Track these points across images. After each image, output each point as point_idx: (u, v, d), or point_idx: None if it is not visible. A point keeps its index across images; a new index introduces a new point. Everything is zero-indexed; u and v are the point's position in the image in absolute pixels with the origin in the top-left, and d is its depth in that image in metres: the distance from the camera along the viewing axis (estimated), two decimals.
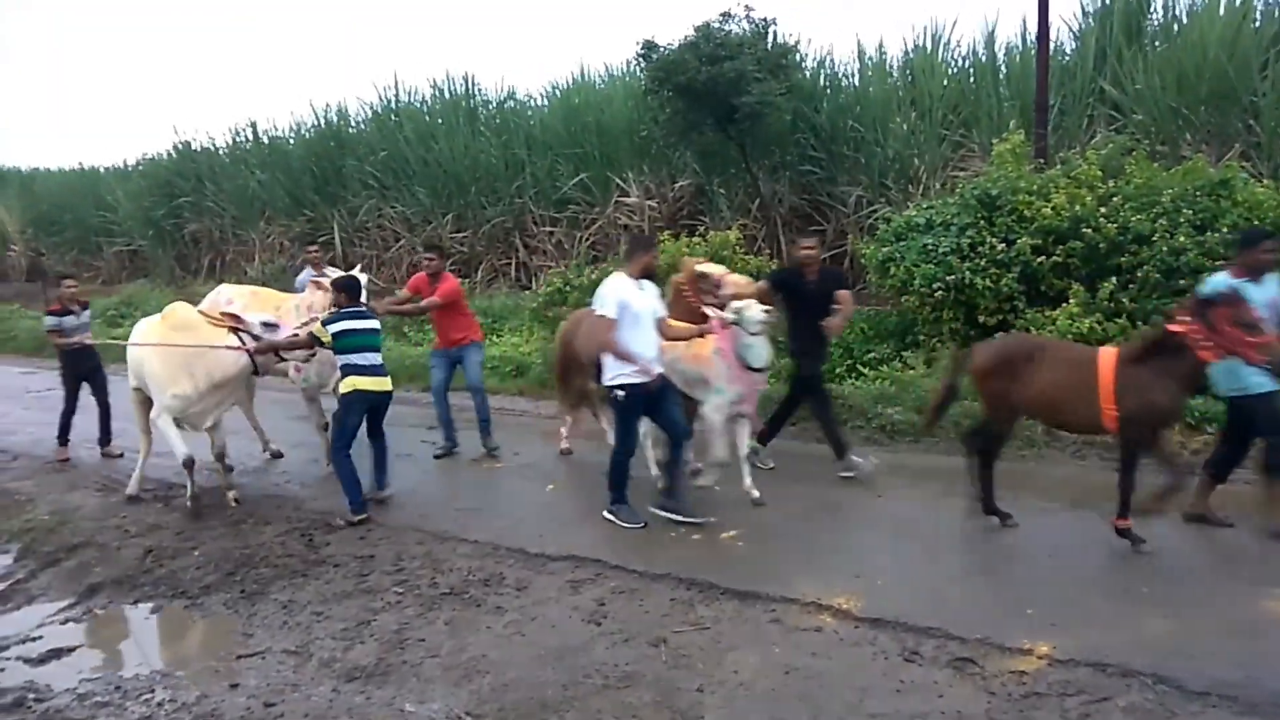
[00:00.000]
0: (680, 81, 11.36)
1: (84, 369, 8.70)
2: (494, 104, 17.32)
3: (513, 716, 4.03)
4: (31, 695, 4.50)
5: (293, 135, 19.43)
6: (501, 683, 4.30)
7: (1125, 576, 4.99)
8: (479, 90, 17.49)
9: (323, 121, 18.90)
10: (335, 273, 9.68)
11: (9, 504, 7.56)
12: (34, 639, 5.15)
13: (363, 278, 9.71)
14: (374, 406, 6.68)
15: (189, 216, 20.24)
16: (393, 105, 18.12)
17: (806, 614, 4.77)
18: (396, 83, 18.18)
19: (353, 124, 18.75)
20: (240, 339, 6.65)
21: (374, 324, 6.78)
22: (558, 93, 16.51)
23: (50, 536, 6.67)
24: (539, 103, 16.97)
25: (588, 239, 14.81)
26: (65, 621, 5.37)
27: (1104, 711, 3.78)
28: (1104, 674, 4.03)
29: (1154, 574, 4.99)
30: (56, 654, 4.97)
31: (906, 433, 7.74)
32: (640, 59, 12.36)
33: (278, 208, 18.49)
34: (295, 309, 7.69)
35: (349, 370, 6.55)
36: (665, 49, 11.82)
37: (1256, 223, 8.04)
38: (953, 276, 8.62)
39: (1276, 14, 11.05)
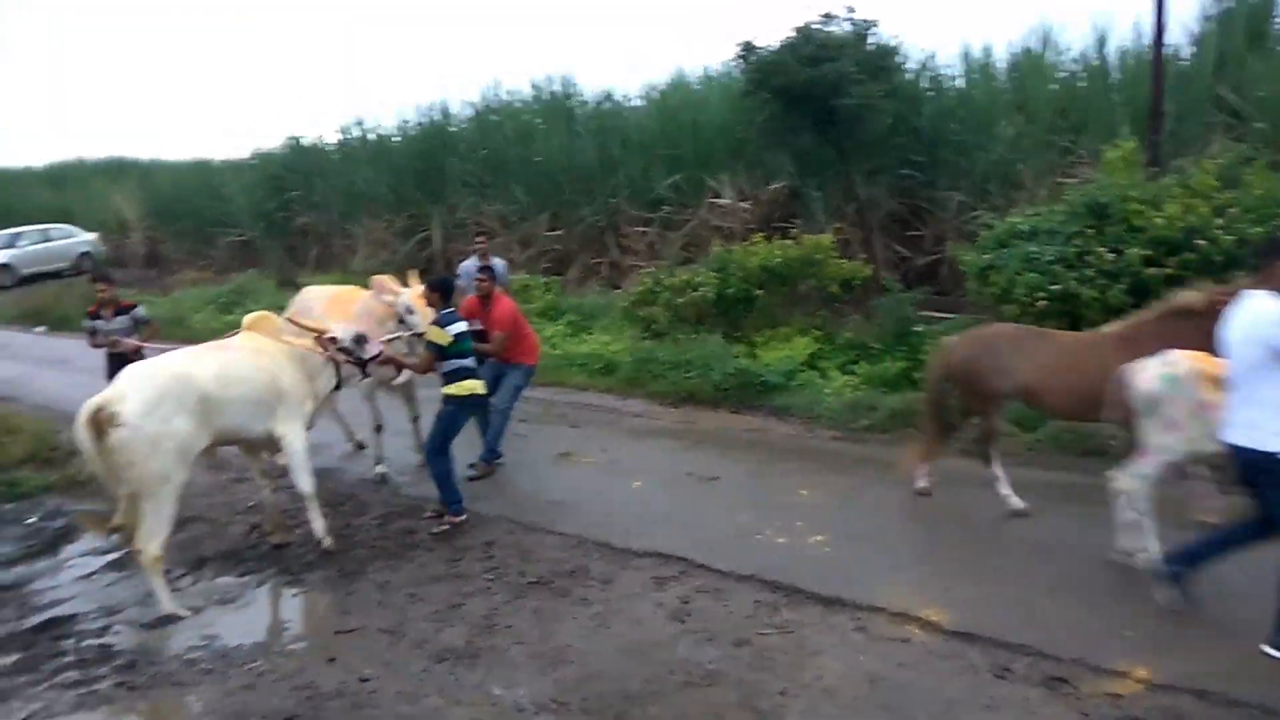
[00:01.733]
0: (778, 83, 11.29)
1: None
2: (591, 104, 17.53)
3: (596, 707, 4.11)
4: (143, 659, 4.80)
5: (398, 134, 20.02)
6: (586, 673, 4.38)
7: (1232, 602, 4.77)
8: (577, 91, 17.74)
9: (427, 120, 19.43)
10: (500, 263, 9.82)
11: None
12: (147, 606, 5.46)
13: (501, 263, 9.40)
14: (477, 409, 6.74)
15: (298, 210, 21.03)
16: (493, 105, 18.51)
17: (894, 624, 4.72)
18: (497, 83, 18.55)
19: (455, 123, 19.22)
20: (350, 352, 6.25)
21: (468, 326, 6.63)
22: (655, 94, 16.62)
23: None
24: (636, 103, 17.12)
25: (679, 239, 14.84)
26: (176, 591, 5.67)
27: None
28: (1206, 702, 3.89)
29: (1263, 601, 4.76)
30: (167, 621, 5.26)
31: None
32: (739, 60, 12.34)
33: (382, 203, 19.06)
34: (358, 314, 7.11)
35: (464, 373, 6.35)
36: (764, 50, 11.77)
37: None
38: (1057, 286, 8.36)
39: None
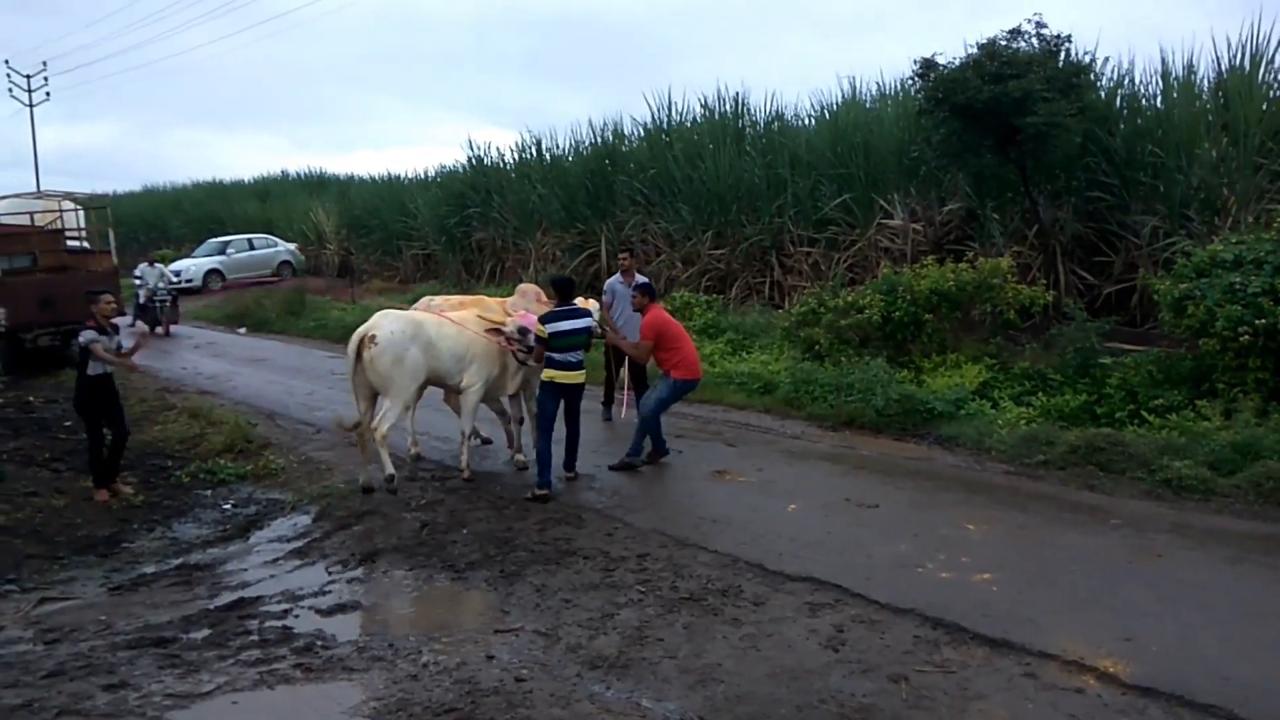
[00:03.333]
0: (959, 101, 10.92)
1: (104, 400, 8.08)
2: (761, 124, 17.51)
3: None
4: (319, 643, 5.09)
5: (571, 153, 20.67)
6: (735, 693, 4.33)
7: None
8: (747, 110, 17.77)
9: (599, 139, 19.95)
10: (641, 278, 10.11)
11: (313, 471, 8.59)
12: (325, 593, 5.83)
13: (642, 279, 9.43)
14: (566, 395, 7.52)
15: (476, 225, 22.05)
16: (664, 124, 18.79)
17: (1067, 673, 4.42)
18: (670, 101, 18.80)
19: (626, 142, 19.64)
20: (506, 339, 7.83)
21: (585, 323, 7.49)
22: (826, 113, 16.42)
23: (343, 503, 7.52)
24: (806, 123, 16.97)
25: (845, 260, 14.57)
26: (351, 580, 6.03)
27: None
28: None
29: None
30: (341, 608, 5.60)
31: (1195, 489, 6.96)
32: (916, 78, 12.03)
33: (553, 220, 19.71)
34: (513, 307, 8.21)
35: (550, 363, 7.39)
36: (945, 67, 11.42)
37: None
38: (1263, 320, 7.68)
39: None
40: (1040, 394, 9.38)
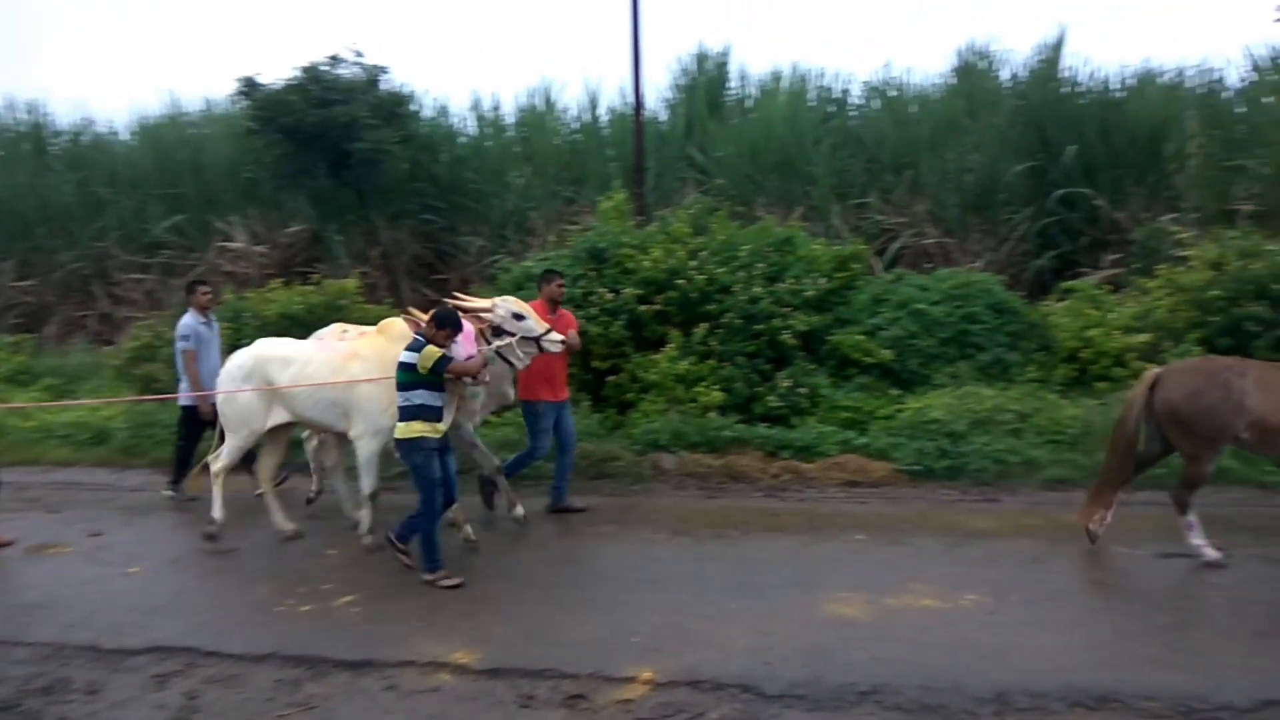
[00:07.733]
0: (287, 123, 10.86)
1: None
2: (68, 136, 15.28)
3: None
4: None
5: None
6: None
7: (715, 597, 5.44)
8: (49, 119, 15.35)
9: None
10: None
11: None
12: None
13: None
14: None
15: None
16: None
17: (424, 674, 4.62)
18: None
19: None
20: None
21: (405, 358, 5.70)
22: (145, 127, 14.96)
23: None
24: (123, 136, 15.27)
25: (184, 287, 13.47)
26: None
27: None
28: (699, 690, 4.34)
29: (740, 592, 5.50)
30: None
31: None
32: (240, 96, 11.61)
33: None
34: None
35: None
36: (268, 88, 11.21)
37: (814, 274, 9.38)
38: None
39: (829, 96, 13.12)
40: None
